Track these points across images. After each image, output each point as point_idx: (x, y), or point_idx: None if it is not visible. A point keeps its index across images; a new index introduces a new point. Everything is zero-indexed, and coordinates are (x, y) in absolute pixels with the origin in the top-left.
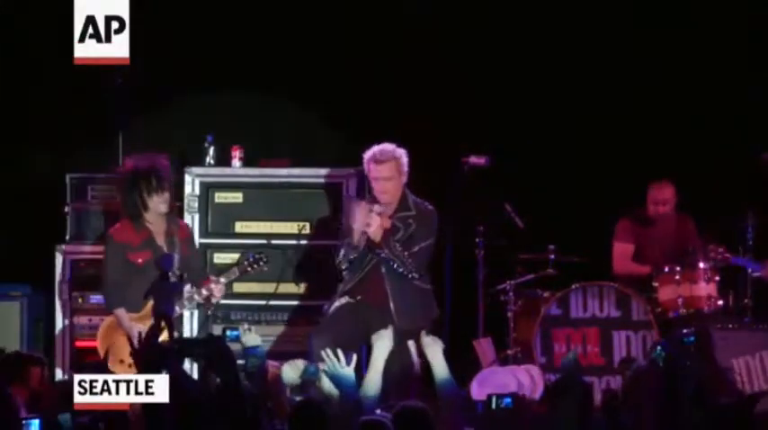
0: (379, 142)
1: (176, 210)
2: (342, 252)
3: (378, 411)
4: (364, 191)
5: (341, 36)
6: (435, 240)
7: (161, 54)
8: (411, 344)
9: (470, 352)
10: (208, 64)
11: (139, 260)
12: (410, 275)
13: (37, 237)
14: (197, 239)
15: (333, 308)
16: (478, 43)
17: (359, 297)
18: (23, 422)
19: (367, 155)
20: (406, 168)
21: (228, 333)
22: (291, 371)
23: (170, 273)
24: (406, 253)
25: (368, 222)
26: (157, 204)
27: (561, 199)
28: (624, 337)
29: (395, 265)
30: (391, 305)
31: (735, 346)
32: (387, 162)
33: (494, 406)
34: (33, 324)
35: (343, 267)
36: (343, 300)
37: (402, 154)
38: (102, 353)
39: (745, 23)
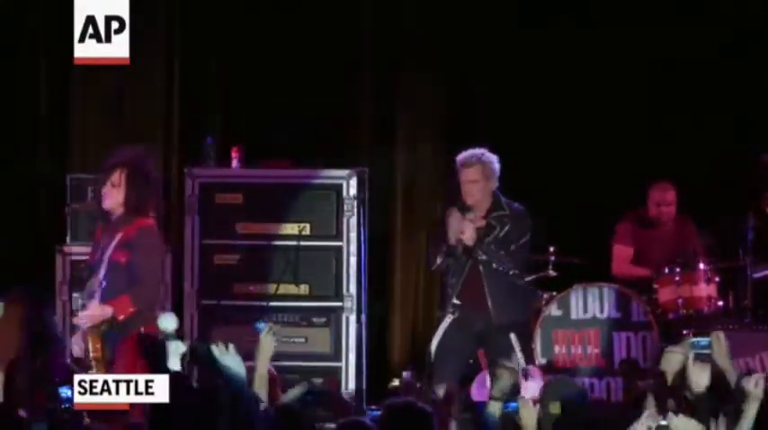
0: (379, 142)
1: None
2: (438, 259)
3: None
4: (364, 191)
5: (341, 35)
6: (529, 238)
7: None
8: (513, 337)
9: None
10: (208, 63)
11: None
12: (511, 272)
13: (37, 237)
14: (197, 241)
15: (439, 332)
16: (478, 43)
17: (458, 303)
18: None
19: (457, 158)
20: (495, 173)
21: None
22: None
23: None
24: (502, 252)
25: (461, 229)
26: (104, 198)
27: (561, 199)
28: (624, 338)
29: (494, 265)
30: (489, 301)
31: (735, 347)
32: (473, 166)
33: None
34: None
35: (434, 267)
36: (449, 318)
37: (490, 159)
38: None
39: (745, 23)
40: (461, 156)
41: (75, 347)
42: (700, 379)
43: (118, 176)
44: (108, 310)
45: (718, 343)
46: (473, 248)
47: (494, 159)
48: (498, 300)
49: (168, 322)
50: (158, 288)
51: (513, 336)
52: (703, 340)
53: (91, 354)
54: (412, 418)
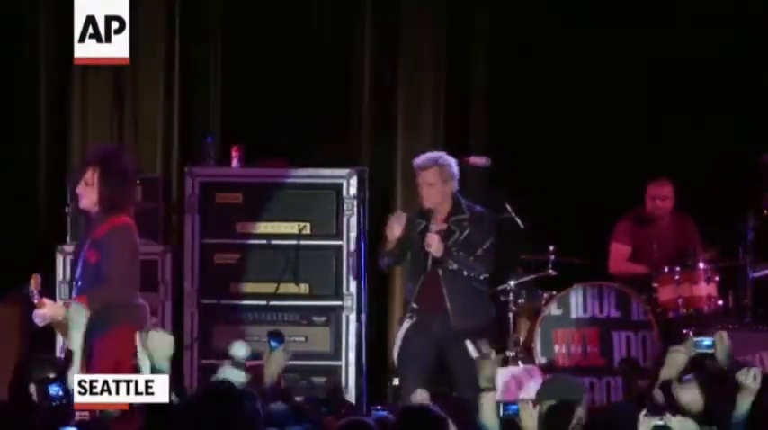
0: (378, 142)
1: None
2: (380, 262)
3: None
4: (364, 190)
5: (341, 35)
6: (494, 240)
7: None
8: (469, 343)
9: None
10: (208, 63)
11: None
12: (480, 277)
13: (37, 237)
14: (197, 240)
15: (399, 339)
16: (478, 43)
17: (416, 307)
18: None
19: (415, 161)
20: (453, 176)
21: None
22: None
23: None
24: (471, 258)
25: (428, 242)
26: (80, 197)
27: (561, 199)
28: (624, 338)
29: (464, 272)
30: (448, 306)
31: (735, 347)
32: (429, 168)
33: (501, 413)
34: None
35: (384, 265)
36: (406, 324)
37: (448, 162)
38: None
39: (746, 23)
40: (418, 159)
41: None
42: (690, 400)
43: (90, 175)
44: (62, 309)
45: (722, 343)
46: (442, 259)
47: (452, 162)
48: (458, 305)
49: (240, 350)
50: (127, 287)
51: (468, 343)
52: (706, 340)
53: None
54: (428, 423)
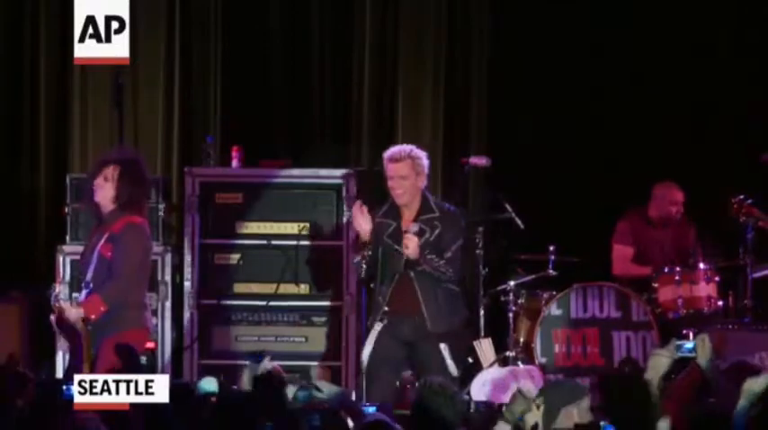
0: (379, 142)
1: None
2: (361, 268)
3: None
4: (364, 190)
5: (340, 35)
6: (464, 240)
7: (161, 54)
8: (444, 347)
9: (471, 352)
10: (208, 63)
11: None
12: (451, 282)
13: (37, 237)
14: (197, 240)
15: (370, 342)
16: (477, 43)
17: (388, 309)
18: None
19: (385, 154)
20: (425, 170)
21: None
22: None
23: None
24: (442, 261)
25: (405, 243)
26: (95, 190)
27: (561, 199)
28: (624, 338)
29: (436, 275)
30: (423, 309)
31: (734, 347)
32: (402, 161)
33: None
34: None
35: (362, 271)
36: (378, 327)
37: (420, 155)
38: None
39: (745, 23)
40: (389, 152)
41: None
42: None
43: (111, 171)
44: (79, 312)
45: (703, 346)
46: (417, 262)
47: (423, 156)
48: (433, 308)
49: (208, 385)
50: (137, 287)
51: (443, 347)
52: (688, 343)
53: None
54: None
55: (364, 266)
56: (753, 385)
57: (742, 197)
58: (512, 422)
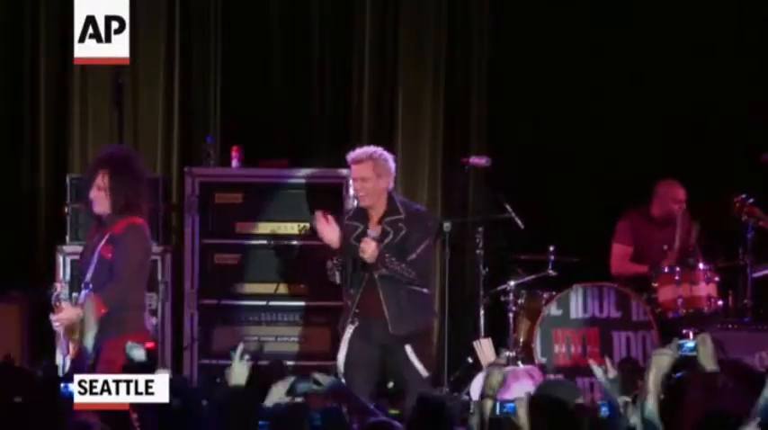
0: (379, 142)
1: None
2: (336, 274)
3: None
4: None
5: (340, 35)
6: (432, 241)
7: (161, 54)
8: (408, 348)
9: (470, 352)
10: (208, 63)
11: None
12: (414, 283)
13: (37, 237)
14: (197, 240)
15: (344, 345)
16: (477, 43)
17: (358, 312)
18: None
19: (347, 155)
20: (389, 172)
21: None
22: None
23: None
24: (403, 265)
25: (362, 248)
26: (93, 203)
27: (561, 199)
28: (624, 338)
29: (398, 278)
30: (385, 312)
31: (735, 347)
32: (363, 162)
33: (497, 412)
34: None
35: (338, 282)
36: (350, 329)
37: (382, 156)
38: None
39: (745, 23)
40: (352, 153)
41: (63, 346)
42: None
43: (101, 179)
44: (79, 312)
45: (704, 345)
46: (375, 266)
47: (388, 157)
48: (394, 311)
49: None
50: (137, 288)
51: (408, 349)
52: (689, 342)
53: (71, 356)
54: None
55: (337, 272)
56: (661, 359)
57: (744, 196)
58: (493, 397)
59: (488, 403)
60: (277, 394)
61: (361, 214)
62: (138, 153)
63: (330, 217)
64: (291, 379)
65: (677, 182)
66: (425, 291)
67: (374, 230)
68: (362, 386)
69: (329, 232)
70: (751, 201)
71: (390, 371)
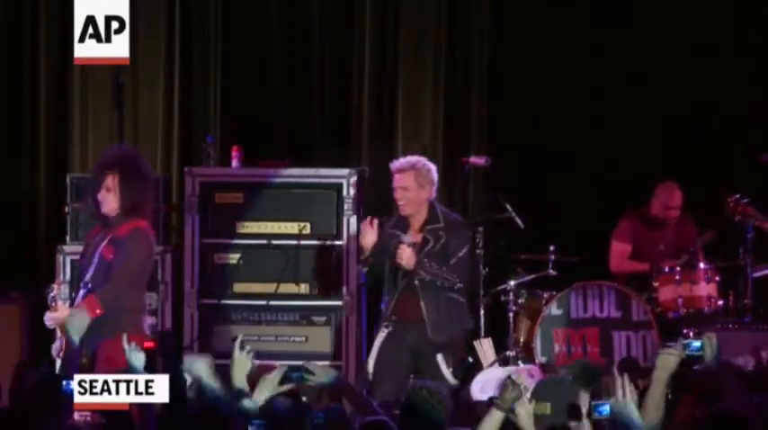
0: (379, 142)
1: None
2: (362, 271)
3: None
4: (364, 190)
5: (340, 35)
6: (470, 248)
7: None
8: (440, 357)
9: (471, 352)
10: (208, 63)
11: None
12: (455, 287)
13: (37, 237)
14: (197, 240)
15: (375, 349)
16: (476, 43)
17: (394, 317)
18: None
19: (391, 164)
20: (431, 181)
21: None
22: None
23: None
24: (444, 268)
25: (399, 255)
26: (101, 204)
27: (561, 199)
28: (624, 338)
29: (438, 283)
30: (425, 317)
31: (735, 347)
32: (405, 172)
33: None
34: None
35: (362, 279)
36: (383, 333)
37: (425, 166)
38: None
39: (745, 23)
40: (395, 163)
41: (57, 345)
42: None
43: (111, 180)
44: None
45: (711, 345)
46: (415, 271)
47: (431, 168)
48: (434, 317)
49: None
50: (135, 291)
51: (439, 357)
52: (696, 342)
53: (62, 355)
54: None
55: (365, 276)
56: (667, 359)
57: (738, 196)
58: (504, 410)
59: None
60: (268, 386)
61: (403, 222)
62: (141, 153)
63: (375, 221)
64: (283, 368)
65: (675, 185)
66: (462, 299)
67: (408, 236)
68: (391, 388)
69: (370, 236)
70: (745, 201)
71: (419, 375)
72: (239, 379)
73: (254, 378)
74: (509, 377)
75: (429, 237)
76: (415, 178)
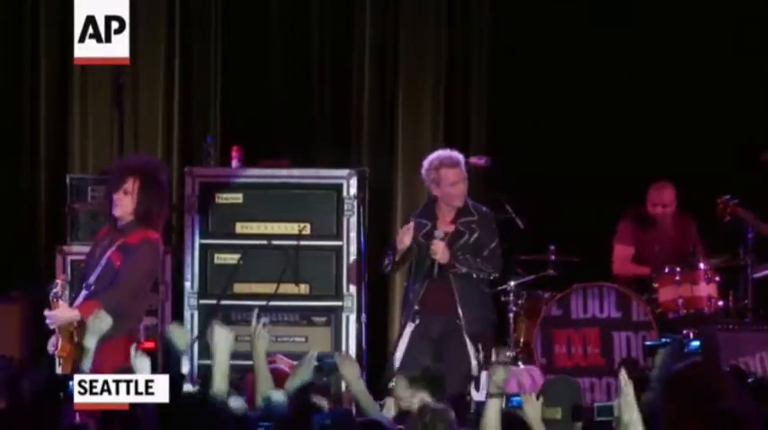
0: (379, 142)
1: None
2: (385, 261)
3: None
4: (364, 190)
5: (340, 36)
6: (499, 241)
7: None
8: (471, 347)
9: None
10: (208, 63)
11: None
12: (491, 277)
13: (37, 237)
14: (197, 240)
15: (404, 342)
16: (478, 43)
17: (420, 308)
18: None
19: (433, 162)
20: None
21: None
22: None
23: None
24: (478, 259)
25: (433, 250)
26: (115, 204)
27: (561, 199)
28: (624, 338)
29: (474, 275)
30: (459, 311)
31: (735, 347)
32: (459, 166)
33: (503, 405)
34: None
35: (387, 271)
36: (410, 327)
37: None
38: None
39: (745, 23)
40: (441, 158)
41: (52, 342)
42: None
43: (131, 184)
44: (74, 314)
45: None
46: (450, 265)
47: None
48: (469, 309)
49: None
50: (136, 299)
51: (470, 347)
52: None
53: (57, 352)
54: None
55: (389, 268)
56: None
57: (728, 197)
58: (498, 394)
59: (496, 402)
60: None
61: (429, 211)
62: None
63: (412, 225)
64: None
65: (667, 184)
66: (488, 291)
67: (440, 230)
68: None
69: (405, 242)
70: (735, 201)
71: (444, 364)
72: (260, 354)
73: (255, 378)
74: (492, 362)
75: (463, 230)
76: (461, 172)
